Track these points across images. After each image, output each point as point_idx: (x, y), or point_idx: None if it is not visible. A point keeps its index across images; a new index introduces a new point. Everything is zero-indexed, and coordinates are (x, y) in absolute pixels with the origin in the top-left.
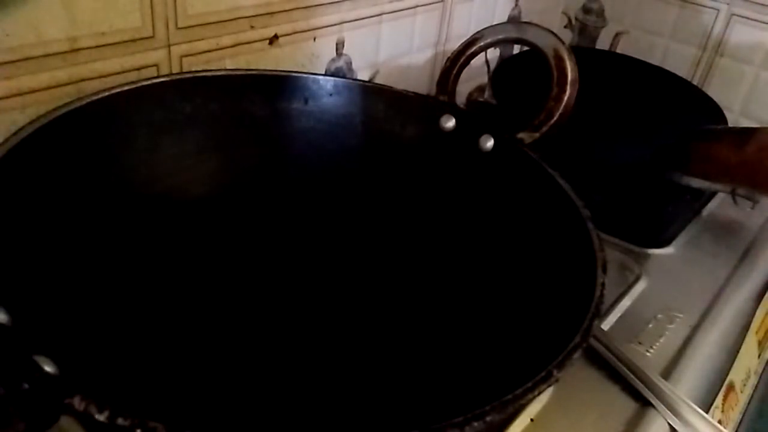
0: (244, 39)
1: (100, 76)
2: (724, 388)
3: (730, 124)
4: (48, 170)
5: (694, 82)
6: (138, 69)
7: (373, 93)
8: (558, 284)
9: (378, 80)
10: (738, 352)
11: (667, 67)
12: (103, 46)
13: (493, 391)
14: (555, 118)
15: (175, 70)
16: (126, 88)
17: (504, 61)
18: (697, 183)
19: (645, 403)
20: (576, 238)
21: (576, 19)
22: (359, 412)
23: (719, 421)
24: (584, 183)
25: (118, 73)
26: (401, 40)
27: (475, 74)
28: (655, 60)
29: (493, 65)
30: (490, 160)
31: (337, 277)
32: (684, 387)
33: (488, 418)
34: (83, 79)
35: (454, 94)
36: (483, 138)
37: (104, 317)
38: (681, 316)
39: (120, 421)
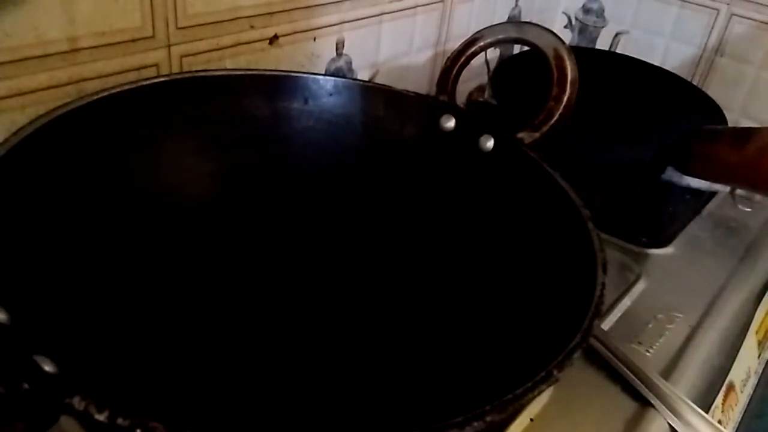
0: (244, 39)
1: (100, 76)
2: (724, 388)
3: (730, 124)
4: (48, 170)
5: (694, 82)
6: (138, 69)
7: (373, 93)
8: (558, 284)
9: (378, 80)
10: (738, 352)
11: (667, 67)
12: (103, 46)
13: (493, 391)
14: (555, 118)
15: (175, 70)
16: (126, 88)
17: (504, 61)
18: (697, 183)
19: (645, 403)
20: (576, 238)
21: (576, 19)
22: (359, 412)
23: (719, 421)
24: (584, 183)
25: (118, 73)
26: (401, 40)
27: (475, 74)
28: (655, 60)
29: (493, 65)
30: (490, 160)
31: (337, 276)
32: (684, 387)
33: (488, 418)
34: (83, 79)
35: (454, 94)
36: (483, 138)
37: (104, 317)
38: (681, 316)
39: (120, 421)
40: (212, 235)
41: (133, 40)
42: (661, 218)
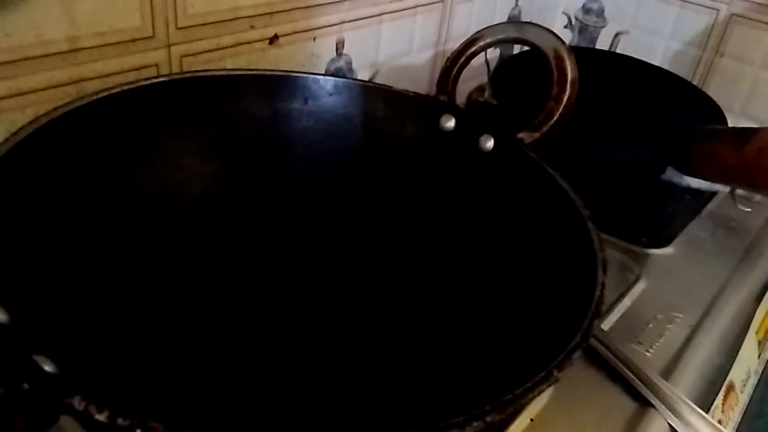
0: (244, 39)
1: (100, 76)
2: (724, 388)
3: (730, 124)
4: (48, 170)
5: (694, 82)
6: (138, 69)
7: (373, 93)
8: (558, 284)
9: (378, 80)
10: (738, 352)
11: (667, 67)
12: (103, 46)
13: (493, 391)
14: (555, 118)
15: (175, 70)
16: (126, 88)
17: (504, 61)
18: (697, 183)
19: (645, 403)
20: (576, 238)
21: (576, 19)
22: (359, 412)
23: (719, 421)
24: (585, 183)
25: (118, 73)
26: (401, 40)
27: (475, 74)
28: (655, 60)
29: (493, 65)
30: (490, 160)
31: (337, 277)
32: (684, 387)
33: (488, 418)
34: (83, 79)
35: (454, 94)
36: (483, 138)
37: (104, 317)
38: (681, 316)
39: (120, 421)
40: (212, 236)
41: (133, 40)
42: (661, 218)
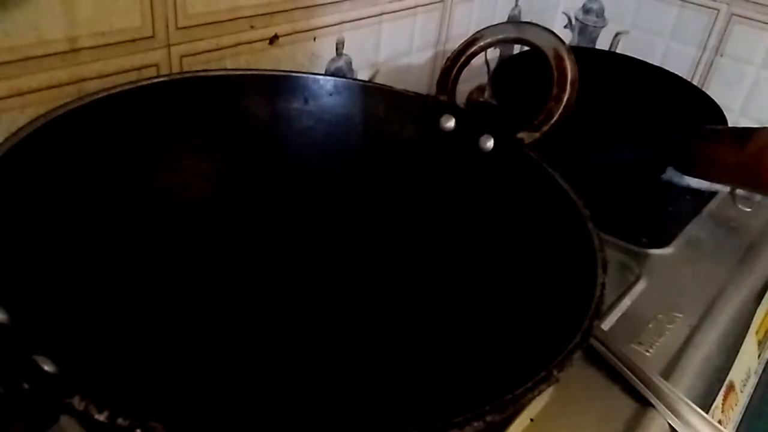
0: (244, 39)
1: (100, 76)
2: (724, 388)
3: (730, 124)
4: (48, 170)
5: (694, 82)
6: (138, 69)
7: (373, 93)
8: (558, 284)
9: (378, 80)
10: (738, 352)
11: (667, 67)
12: (103, 46)
13: (493, 391)
14: (555, 118)
15: (175, 70)
16: (126, 88)
17: (504, 61)
18: (697, 183)
19: (645, 403)
20: (576, 238)
21: (576, 19)
22: (359, 412)
23: (719, 421)
24: (584, 183)
25: (118, 73)
26: (401, 40)
27: (475, 74)
28: (655, 60)
29: (493, 65)
30: (490, 160)
31: (337, 277)
32: (684, 387)
33: (488, 418)
34: (83, 79)
35: (454, 94)
36: (483, 138)
37: (104, 317)
38: (681, 316)
39: (120, 421)
40: (212, 236)
41: (133, 40)
42: (661, 218)
